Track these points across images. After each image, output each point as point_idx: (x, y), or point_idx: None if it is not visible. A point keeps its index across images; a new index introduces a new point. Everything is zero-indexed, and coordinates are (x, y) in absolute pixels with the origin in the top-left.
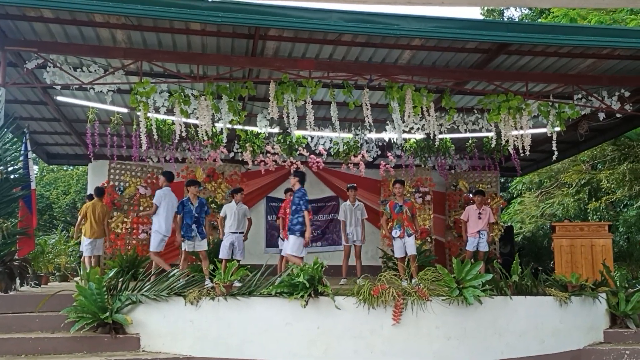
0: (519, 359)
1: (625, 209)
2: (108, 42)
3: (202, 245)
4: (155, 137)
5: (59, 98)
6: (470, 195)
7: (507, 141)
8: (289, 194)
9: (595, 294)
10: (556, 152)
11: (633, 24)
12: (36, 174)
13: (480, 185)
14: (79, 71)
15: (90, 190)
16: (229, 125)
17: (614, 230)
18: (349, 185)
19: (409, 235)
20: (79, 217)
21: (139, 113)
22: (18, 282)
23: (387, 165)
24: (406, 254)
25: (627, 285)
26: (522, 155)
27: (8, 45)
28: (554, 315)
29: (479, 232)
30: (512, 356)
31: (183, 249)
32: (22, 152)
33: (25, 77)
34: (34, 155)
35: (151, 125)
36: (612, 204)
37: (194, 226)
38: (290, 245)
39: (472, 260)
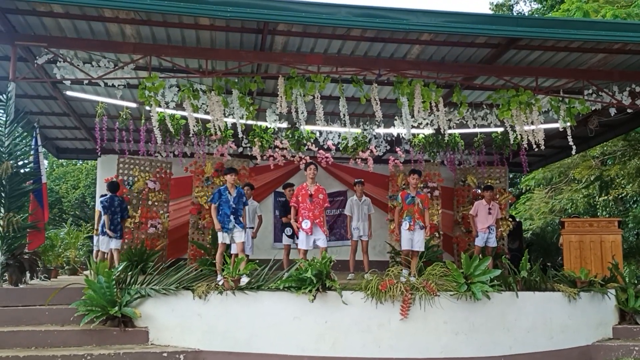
0: (527, 354)
1: (635, 205)
2: (117, 37)
3: (240, 237)
4: (172, 130)
5: (69, 93)
6: (479, 191)
7: (517, 137)
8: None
9: (604, 290)
10: (574, 147)
11: None
12: (46, 168)
13: (489, 181)
14: (89, 66)
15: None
16: (242, 121)
17: (623, 226)
18: (356, 180)
19: (420, 229)
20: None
21: (148, 108)
22: (28, 275)
23: (396, 160)
24: (412, 248)
25: (636, 282)
26: (533, 150)
27: (18, 40)
28: (562, 311)
29: (488, 227)
30: (521, 351)
31: (220, 242)
32: (32, 146)
33: (35, 71)
34: (44, 149)
35: (163, 119)
36: (621, 200)
37: (232, 217)
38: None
39: (480, 255)
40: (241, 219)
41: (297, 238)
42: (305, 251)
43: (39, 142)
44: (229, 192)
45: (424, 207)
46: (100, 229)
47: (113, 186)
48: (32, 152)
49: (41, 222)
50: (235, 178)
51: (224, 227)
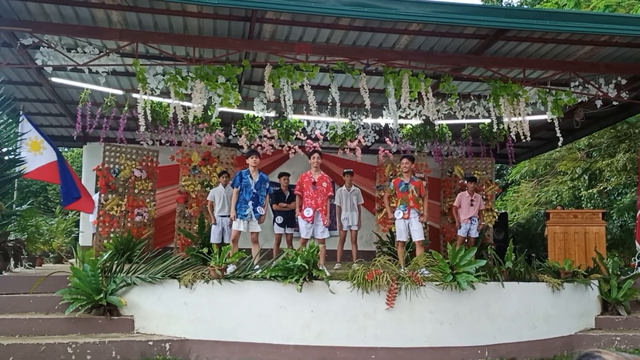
0: (510, 344)
1: (620, 197)
2: (103, 23)
3: (255, 227)
4: (149, 117)
5: (54, 79)
6: (466, 182)
7: (503, 128)
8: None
9: (588, 281)
10: (561, 138)
11: None
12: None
13: (476, 172)
14: (74, 52)
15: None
16: (224, 108)
17: (607, 218)
18: (345, 171)
19: (414, 217)
20: None
21: (134, 95)
22: (12, 263)
23: (385, 151)
24: (410, 238)
25: (619, 273)
26: (519, 142)
27: (2, 25)
28: (546, 301)
29: (470, 218)
30: (504, 341)
31: (233, 228)
32: (19, 132)
33: (19, 57)
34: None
35: (154, 106)
36: (606, 192)
37: (250, 203)
38: None
39: (466, 246)
40: (261, 207)
41: (287, 227)
42: (306, 240)
43: (25, 129)
44: (251, 176)
45: (420, 195)
46: None
47: None
48: (22, 139)
49: (84, 189)
50: (257, 161)
51: (239, 214)
